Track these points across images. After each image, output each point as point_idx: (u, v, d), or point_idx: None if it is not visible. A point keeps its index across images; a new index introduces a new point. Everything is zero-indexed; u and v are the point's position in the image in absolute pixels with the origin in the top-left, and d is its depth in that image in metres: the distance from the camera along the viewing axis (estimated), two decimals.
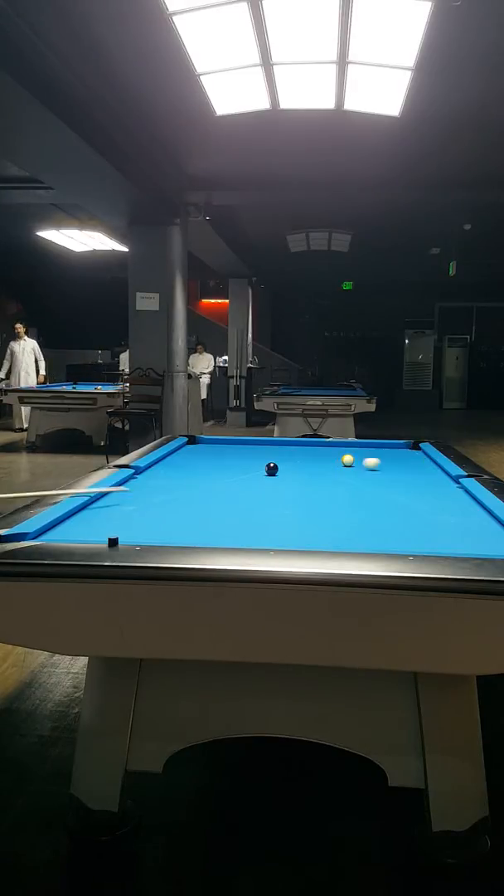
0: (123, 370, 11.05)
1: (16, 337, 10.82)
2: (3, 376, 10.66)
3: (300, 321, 17.96)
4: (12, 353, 10.76)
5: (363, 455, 3.58)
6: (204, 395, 13.82)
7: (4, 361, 10.79)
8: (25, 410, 10.13)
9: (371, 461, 3.18)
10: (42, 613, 1.67)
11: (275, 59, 4.34)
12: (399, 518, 2.34)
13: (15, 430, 10.44)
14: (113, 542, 1.73)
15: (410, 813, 1.98)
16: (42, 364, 10.88)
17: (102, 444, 8.90)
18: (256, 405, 9.43)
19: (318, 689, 1.95)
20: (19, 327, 10.87)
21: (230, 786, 2.28)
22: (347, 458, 3.25)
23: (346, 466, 3.22)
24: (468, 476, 2.78)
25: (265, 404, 9.27)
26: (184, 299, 8.42)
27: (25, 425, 10.06)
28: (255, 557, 1.66)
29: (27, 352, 10.80)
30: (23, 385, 10.41)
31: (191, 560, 1.64)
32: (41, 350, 10.96)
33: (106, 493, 2.47)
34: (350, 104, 5.03)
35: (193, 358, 12.67)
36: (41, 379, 10.79)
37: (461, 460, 3.20)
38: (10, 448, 9.52)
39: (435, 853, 1.90)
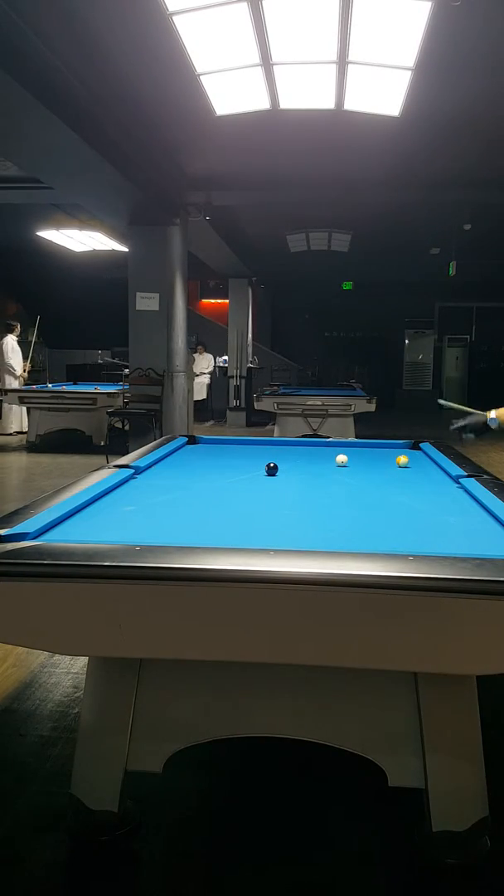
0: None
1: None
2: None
3: (300, 321, 17.95)
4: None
5: (362, 455, 3.59)
6: (204, 395, 13.82)
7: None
8: (19, 412, 10.10)
9: (341, 458, 3.27)
10: (42, 613, 1.66)
11: (275, 59, 4.34)
12: (399, 518, 2.34)
13: (9, 434, 10.37)
14: None
15: (410, 813, 1.99)
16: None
17: (102, 444, 8.90)
18: (256, 405, 9.43)
19: (318, 689, 1.95)
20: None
21: (230, 786, 2.28)
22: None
23: (339, 466, 3.23)
24: (468, 476, 2.78)
25: (265, 404, 9.27)
26: (184, 299, 8.42)
27: (17, 428, 10.04)
28: (255, 557, 1.66)
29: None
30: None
31: (191, 560, 1.64)
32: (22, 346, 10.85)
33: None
34: (350, 104, 5.03)
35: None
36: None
37: (461, 460, 3.20)
38: (10, 448, 9.52)
39: (435, 853, 1.90)
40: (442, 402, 3.85)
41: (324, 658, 1.69)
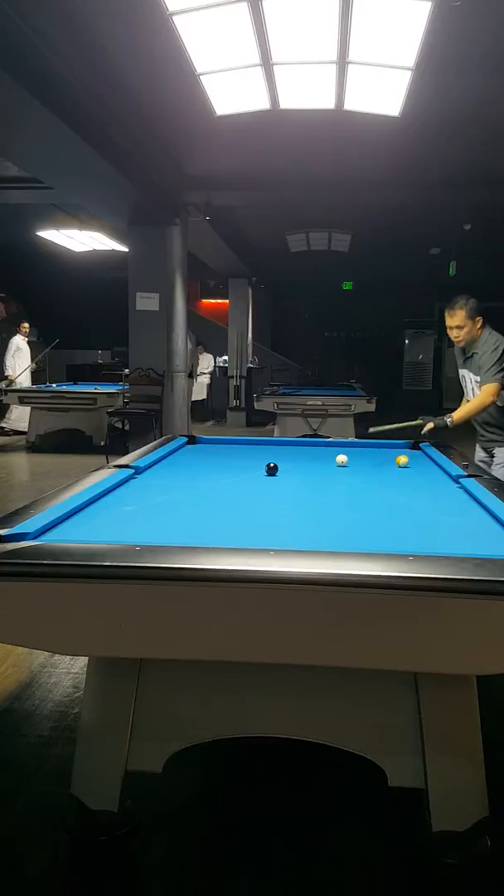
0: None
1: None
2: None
3: (300, 321, 17.94)
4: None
5: (363, 455, 3.59)
6: (204, 395, 13.81)
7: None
8: (19, 412, 10.12)
9: (341, 458, 3.27)
10: (42, 613, 1.66)
11: (275, 59, 4.34)
12: (399, 518, 2.34)
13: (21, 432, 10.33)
14: None
15: (410, 813, 1.99)
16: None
17: (102, 444, 8.90)
18: (256, 405, 9.43)
19: (318, 689, 1.95)
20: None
21: (230, 786, 2.28)
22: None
23: (339, 466, 3.23)
24: (468, 476, 2.78)
25: (265, 404, 9.27)
26: (184, 299, 8.42)
27: (17, 427, 10.05)
28: (255, 557, 1.66)
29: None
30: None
31: (191, 560, 1.64)
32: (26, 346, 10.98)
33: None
34: (350, 104, 5.02)
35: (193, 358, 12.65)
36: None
37: (461, 460, 3.21)
38: (10, 448, 9.52)
39: (435, 853, 1.90)
40: (372, 430, 3.87)
41: (324, 658, 1.69)
